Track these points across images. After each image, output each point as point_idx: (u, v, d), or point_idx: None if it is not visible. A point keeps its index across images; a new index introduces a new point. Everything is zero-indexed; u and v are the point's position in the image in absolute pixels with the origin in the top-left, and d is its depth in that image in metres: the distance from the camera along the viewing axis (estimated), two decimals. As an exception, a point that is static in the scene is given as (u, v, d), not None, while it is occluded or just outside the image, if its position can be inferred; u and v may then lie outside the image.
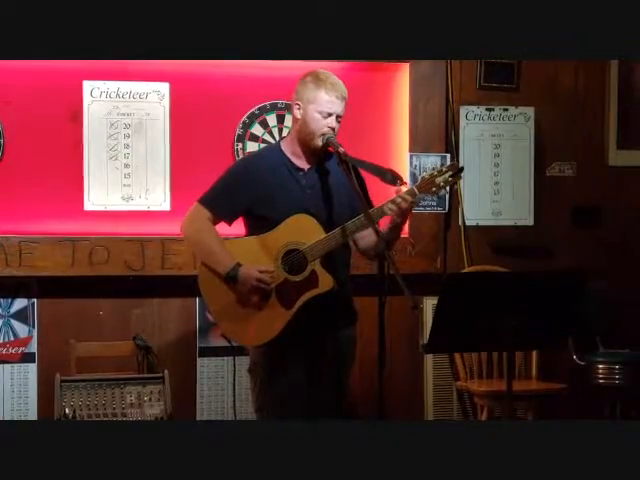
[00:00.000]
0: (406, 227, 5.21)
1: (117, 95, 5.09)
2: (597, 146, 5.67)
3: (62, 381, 4.67)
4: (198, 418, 5.16)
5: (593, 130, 5.66)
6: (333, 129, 3.84)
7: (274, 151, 3.98)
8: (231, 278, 3.79)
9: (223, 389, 5.21)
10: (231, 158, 5.11)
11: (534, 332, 3.77)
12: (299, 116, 3.87)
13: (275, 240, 3.81)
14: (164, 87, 5.13)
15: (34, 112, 5.00)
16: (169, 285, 5.07)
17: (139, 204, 5.12)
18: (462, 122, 5.49)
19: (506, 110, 5.54)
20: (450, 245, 5.46)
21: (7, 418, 5.00)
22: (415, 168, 5.35)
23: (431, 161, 5.34)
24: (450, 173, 3.78)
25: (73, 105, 5.04)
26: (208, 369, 5.19)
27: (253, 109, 5.23)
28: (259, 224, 3.86)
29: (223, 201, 3.90)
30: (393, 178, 3.80)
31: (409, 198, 3.73)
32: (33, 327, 5.05)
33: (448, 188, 3.97)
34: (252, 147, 5.17)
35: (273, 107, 5.24)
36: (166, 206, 5.14)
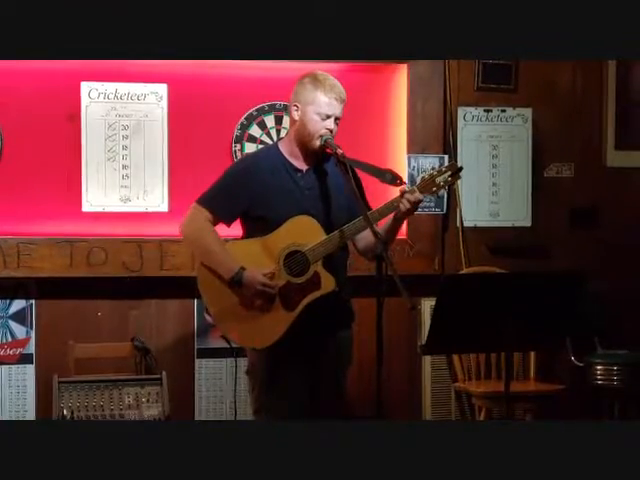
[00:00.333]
0: (404, 228, 5.22)
1: (115, 96, 5.09)
2: (595, 147, 5.67)
3: (60, 382, 4.67)
4: (196, 419, 5.16)
5: (591, 131, 5.66)
6: (331, 131, 3.84)
7: (272, 152, 3.97)
8: (235, 282, 3.77)
9: (221, 390, 5.20)
10: (229, 159, 5.11)
11: (532, 333, 3.77)
12: (297, 117, 3.87)
13: (276, 242, 3.80)
14: (162, 88, 5.13)
15: (32, 113, 5.00)
16: (167, 286, 5.07)
17: (137, 205, 5.12)
18: (460, 123, 5.50)
19: (504, 111, 5.54)
20: (448, 246, 5.46)
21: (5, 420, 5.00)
22: (413, 169, 5.35)
23: (429, 162, 5.34)
24: (449, 173, 3.80)
25: (71, 106, 5.03)
26: (206, 370, 5.19)
27: (251, 110, 5.23)
28: (258, 225, 3.86)
29: (223, 202, 3.89)
30: (392, 178, 3.81)
31: (418, 194, 3.73)
32: (31, 328, 5.05)
33: (447, 188, 3.97)
34: (250, 148, 5.17)
35: (271, 108, 5.24)
36: (164, 207, 5.14)
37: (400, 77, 5.37)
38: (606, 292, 5.30)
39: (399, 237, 5.11)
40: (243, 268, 3.77)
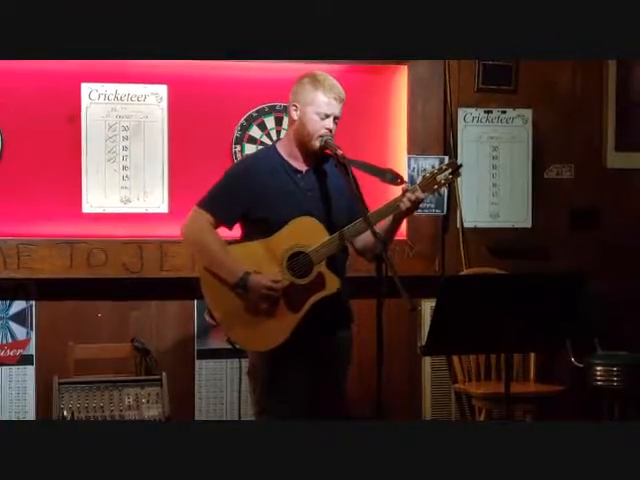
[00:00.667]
0: (404, 229, 5.23)
1: (115, 97, 5.09)
2: (595, 148, 5.67)
3: (60, 383, 4.68)
4: (196, 420, 5.16)
5: (591, 132, 5.66)
6: (330, 131, 3.84)
7: (271, 153, 3.96)
8: (240, 287, 3.76)
9: (221, 391, 5.20)
10: (229, 160, 5.11)
11: (532, 334, 3.76)
12: (296, 117, 3.87)
13: (279, 243, 3.79)
14: (162, 89, 5.13)
15: (32, 114, 5.00)
16: (167, 287, 5.07)
17: (137, 206, 5.12)
18: (460, 124, 5.50)
19: (504, 112, 5.55)
20: (448, 247, 5.46)
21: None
22: (413, 170, 5.35)
23: (429, 163, 5.34)
24: (450, 170, 3.81)
25: (71, 107, 5.04)
26: (206, 371, 5.19)
27: (251, 111, 5.23)
28: (258, 227, 3.84)
29: (224, 205, 3.87)
30: (392, 177, 3.81)
31: (419, 193, 3.73)
32: (31, 329, 5.05)
33: (447, 186, 3.98)
34: (250, 149, 5.17)
35: (271, 109, 5.24)
36: (164, 208, 5.14)
37: (400, 78, 5.37)
38: (606, 293, 5.30)
39: (399, 238, 5.15)
40: (248, 273, 3.76)
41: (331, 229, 3.80)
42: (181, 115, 5.15)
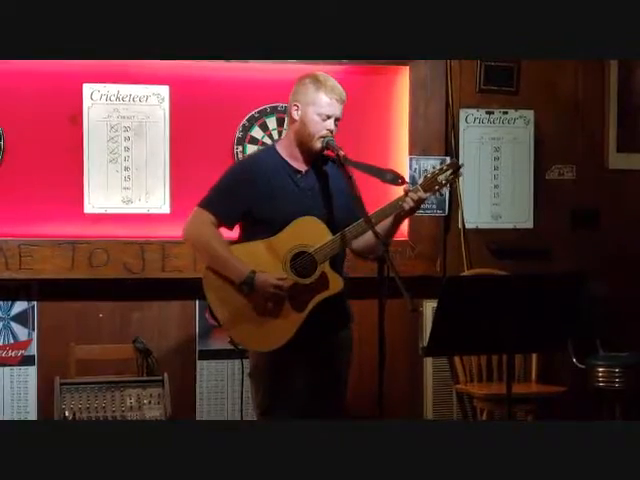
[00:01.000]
0: (406, 230, 5.23)
1: (117, 98, 5.09)
2: (597, 149, 5.67)
3: (62, 384, 4.67)
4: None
5: (593, 133, 5.66)
6: (331, 132, 3.84)
7: (270, 153, 3.95)
8: (247, 286, 3.76)
9: (223, 392, 5.20)
10: (231, 161, 5.11)
11: (534, 335, 3.76)
12: (297, 117, 3.86)
13: (282, 243, 3.79)
14: (164, 90, 5.14)
15: (34, 115, 5.00)
16: (169, 288, 5.07)
17: (139, 207, 5.13)
18: (462, 125, 5.50)
19: (506, 113, 5.55)
20: (450, 248, 5.46)
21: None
22: (415, 171, 5.35)
23: (431, 164, 5.34)
24: (451, 171, 3.81)
25: (73, 108, 5.04)
26: (208, 372, 5.19)
27: (253, 112, 5.23)
28: (258, 227, 3.84)
29: (225, 204, 3.87)
30: (393, 178, 3.81)
31: (422, 193, 3.74)
32: (33, 330, 5.05)
33: (448, 187, 3.98)
34: (252, 150, 5.16)
35: (273, 110, 5.24)
36: (166, 209, 5.14)
37: (402, 79, 5.37)
38: (607, 294, 5.30)
39: (401, 239, 5.16)
40: (254, 271, 3.76)
41: (331, 229, 3.80)
42: (183, 116, 5.15)
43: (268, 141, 5.20)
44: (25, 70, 4.94)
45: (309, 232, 3.79)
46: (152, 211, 5.14)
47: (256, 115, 5.24)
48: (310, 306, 3.78)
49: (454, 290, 3.69)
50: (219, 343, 5.03)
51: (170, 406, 4.71)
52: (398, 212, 3.79)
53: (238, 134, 5.22)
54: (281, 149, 3.94)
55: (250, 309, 3.79)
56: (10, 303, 5.04)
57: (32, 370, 5.05)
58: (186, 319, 5.17)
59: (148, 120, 5.13)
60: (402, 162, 5.37)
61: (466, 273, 5.38)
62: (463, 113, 5.50)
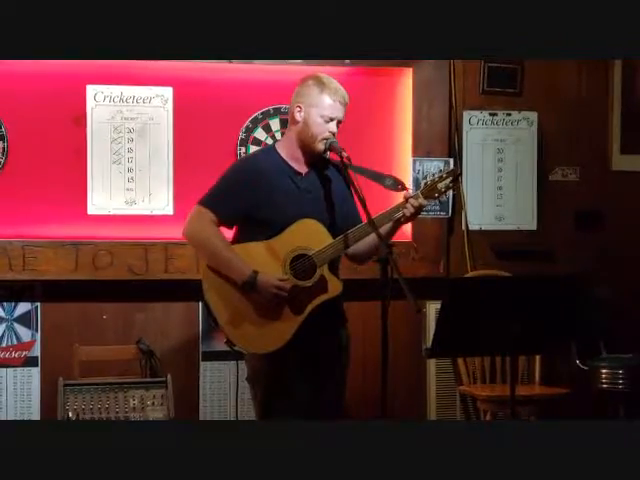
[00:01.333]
0: (409, 231, 5.23)
1: (121, 99, 5.09)
2: (600, 151, 5.67)
3: (65, 385, 4.68)
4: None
5: (596, 135, 5.66)
6: (333, 134, 3.84)
7: (271, 154, 3.94)
8: (249, 286, 3.75)
9: (226, 393, 5.20)
10: (234, 162, 5.11)
11: (537, 337, 3.76)
12: (300, 119, 3.85)
13: (282, 245, 3.78)
14: (168, 91, 5.14)
15: (38, 116, 5.01)
16: (172, 289, 5.07)
17: (142, 208, 5.13)
18: (465, 127, 5.50)
19: (509, 115, 5.54)
20: (453, 249, 5.46)
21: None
22: (418, 173, 5.35)
23: (434, 166, 5.35)
24: (450, 179, 3.82)
25: (77, 109, 5.04)
26: (211, 373, 5.19)
27: (256, 113, 5.23)
28: (257, 227, 3.83)
29: (226, 203, 3.85)
30: (393, 183, 3.82)
31: (422, 200, 3.74)
32: (36, 331, 5.06)
33: (448, 194, 3.99)
34: (255, 151, 5.17)
35: (276, 112, 5.24)
36: (169, 210, 5.14)
37: (405, 80, 5.37)
38: (611, 295, 5.29)
39: (404, 240, 5.16)
40: (256, 271, 3.75)
41: (329, 231, 3.80)
42: (186, 117, 5.15)
43: (271, 142, 5.19)
44: (29, 71, 4.95)
45: (310, 235, 3.78)
46: (155, 212, 5.14)
47: (259, 116, 5.24)
48: (309, 309, 3.77)
49: (457, 292, 3.69)
50: (222, 344, 5.01)
51: (173, 407, 4.71)
52: (397, 218, 3.79)
53: (241, 135, 5.22)
54: (281, 150, 3.93)
55: (250, 310, 3.78)
56: (13, 304, 5.04)
57: (35, 371, 5.05)
58: (189, 320, 5.17)
59: (152, 121, 5.14)
60: (405, 164, 5.37)
61: (469, 275, 5.38)
62: (466, 115, 5.50)
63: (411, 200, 3.76)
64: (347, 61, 5.13)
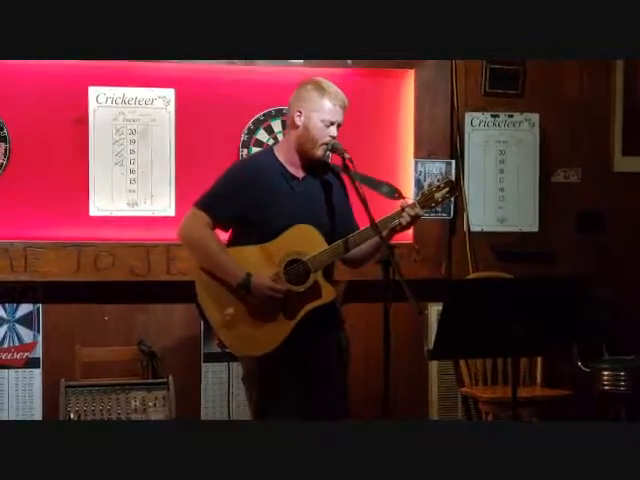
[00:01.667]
0: (411, 233, 5.22)
1: (123, 101, 5.10)
2: (602, 152, 5.67)
3: (67, 386, 4.68)
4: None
5: (598, 136, 5.66)
6: (333, 137, 3.84)
7: (269, 157, 3.93)
8: (243, 288, 3.76)
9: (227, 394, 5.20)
10: (236, 164, 5.11)
11: (539, 338, 3.76)
12: (300, 123, 3.85)
13: (277, 249, 3.79)
14: (170, 93, 5.14)
15: (40, 118, 5.01)
16: (174, 291, 5.07)
17: (144, 210, 5.13)
18: (467, 128, 5.50)
19: (511, 116, 5.54)
20: (455, 251, 5.46)
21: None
22: (420, 174, 5.35)
23: (436, 167, 5.35)
24: (447, 189, 3.84)
25: (79, 111, 5.04)
26: (213, 374, 5.19)
27: (258, 115, 5.24)
28: (252, 231, 3.83)
29: (222, 206, 3.85)
30: (390, 191, 3.83)
31: (418, 209, 3.75)
32: (38, 332, 5.06)
33: (444, 205, 4.01)
34: (257, 153, 5.17)
35: (278, 113, 5.24)
36: (171, 212, 5.14)
37: (407, 82, 5.37)
38: (613, 297, 5.29)
39: (406, 242, 5.16)
40: (250, 274, 3.75)
41: (324, 237, 3.80)
42: (188, 118, 5.15)
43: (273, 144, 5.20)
44: (31, 73, 4.96)
45: (305, 240, 3.79)
46: (157, 214, 5.14)
47: (261, 118, 5.24)
48: (301, 314, 3.78)
49: (459, 293, 3.69)
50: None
51: (175, 408, 4.71)
52: (393, 226, 3.79)
53: (243, 137, 5.22)
54: (279, 153, 3.93)
55: (243, 312, 3.79)
56: (15, 305, 5.05)
57: (37, 372, 5.05)
58: (191, 322, 5.16)
59: (154, 123, 5.14)
60: (407, 165, 5.37)
61: (471, 276, 5.38)
62: (468, 116, 5.50)
63: (407, 209, 3.76)
64: (349, 62, 5.14)
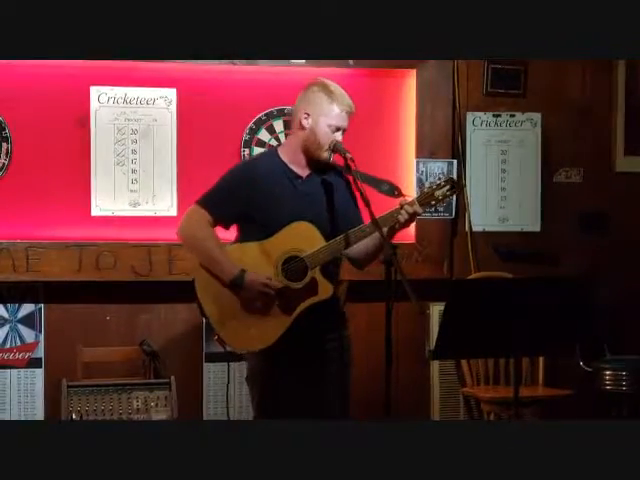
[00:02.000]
0: (413, 233, 5.22)
1: (124, 101, 5.10)
2: (604, 152, 5.67)
3: (69, 386, 4.69)
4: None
5: (600, 136, 5.65)
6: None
7: (272, 157, 3.95)
8: (237, 284, 3.78)
9: (230, 394, 5.20)
10: (238, 164, 5.12)
11: (541, 338, 3.76)
12: (307, 126, 3.85)
13: (275, 246, 3.80)
14: (171, 93, 5.15)
15: (42, 118, 5.01)
16: (176, 290, 5.07)
17: (146, 209, 5.13)
18: (469, 128, 5.50)
19: (513, 116, 5.54)
20: (457, 251, 5.46)
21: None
22: (422, 174, 5.35)
23: (438, 167, 5.35)
24: (448, 187, 3.82)
25: (81, 111, 5.05)
26: (214, 374, 5.19)
27: (260, 115, 5.24)
28: (254, 229, 3.85)
29: (223, 204, 3.87)
30: (390, 189, 3.83)
31: (417, 207, 3.75)
32: (40, 332, 5.06)
33: (444, 203, 4.00)
34: (259, 153, 5.16)
35: (280, 113, 5.25)
36: (173, 211, 5.14)
37: (409, 82, 5.37)
38: (615, 297, 5.29)
39: (408, 242, 5.15)
40: (244, 270, 3.77)
41: (326, 236, 3.81)
42: (190, 118, 5.16)
43: (275, 144, 5.20)
44: (32, 73, 4.96)
45: (303, 237, 3.80)
46: (159, 214, 5.14)
47: (263, 118, 5.24)
48: (298, 310, 3.79)
49: (461, 293, 3.69)
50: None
51: (177, 408, 4.71)
52: (392, 224, 3.79)
53: (245, 137, 5.22)
54: (283, 153, 3.94)
55: (239, 308, 3.81)
56: (17, 305, 5.05)
57: (39, 372, 5.06)
58: (193, 322, 5.16)
59: (155, 123, 5.14)
60: (409, 165, 5.37)
61: (473, 276, 5.38)
62: (470, 116, 5.50)
63: (406, 207, 3.75)
64: (351, 62, 5.14)
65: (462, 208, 5.47)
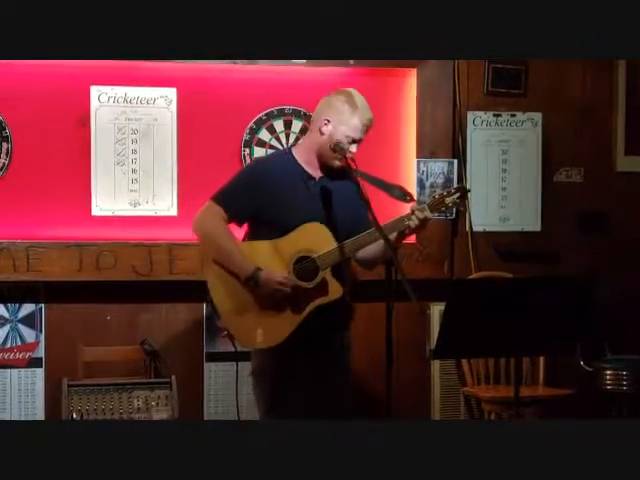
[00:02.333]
0: (413, 233, 5.23)
1: (125, 100, 5.10)
2: (605, 152, 5.66)
3: (69, 386, 4.69)
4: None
5: (600, 136, 5.65)
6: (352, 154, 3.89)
7: (287, 157, 4.00)
8: (252, 282, 3.81)
9: (230, 394, 5.19)
10: (238, 163, 5.12)
11: (541, 338, 3.76)
12: (326, 132, 3.90)
13: (288, 246, 3.84)
14: (172, 92, 5.14)
15: (42, 117, 5.01)
16: (177, 290, 5.08)
17: (146, 209, 5.13)
18: (469, 128, 5.50)
19: (513, 116, 5.54)
20: (457, 251, 5.46)
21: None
22: (422, 174, 5.35)
23: (438, 167, 5.35)
24: (458, 194, 3.87)
25: (81, 110, 5.05)
26: (215, 374, 5.20)
27: (260, 114, 5.24)
28: (265, 228, 3.90)
29: (237, 201, 3.92)
30: (401, 194, 3.86)
31: (428, 212, 3.76)
32: (40, 332, 5.06)
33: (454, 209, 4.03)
34: (259, 152, 5.17)
35: (280, 113, 5.24)
36: (173, 211, 5.14)
37: (409, 81, 5.37)
38: (615, 296, 5.28)
39: (409, 242, 5.15)
40: (259, 268, 3.80)
41: (337, 237, 3.85)
42: (190, 118, 5.15)
43: (275, 143, 5.20)
44: (32, 72, 4.95)
45: (315, 238, 3.84)
46: (160, 213, 5.14)
47: (263, 117, 5.24)
48: (307, 310, 3.83)
49: (461, 293, 3.69)
50: (227, 345, 5.02)
51: (177, 408, 4.71)
52: (402, 229, 3.81)
53: (245, 136, 5.22)
54: (298, 154, 3.99)
55: (251, 305, 3.85)
56: (18, 305, 5.05)
57: (40, 372, 5.06)
58: (194, 321, 5.17)
59: (156, 122, 5.14)
60: (409, 164, 5.37)
61: (473, 276, 5.38)
62: (471, 116, 5.50)
63: (417, 212, 3.79)
64: (351, 62, 5.14)
65: (463, 208, 5.46)
